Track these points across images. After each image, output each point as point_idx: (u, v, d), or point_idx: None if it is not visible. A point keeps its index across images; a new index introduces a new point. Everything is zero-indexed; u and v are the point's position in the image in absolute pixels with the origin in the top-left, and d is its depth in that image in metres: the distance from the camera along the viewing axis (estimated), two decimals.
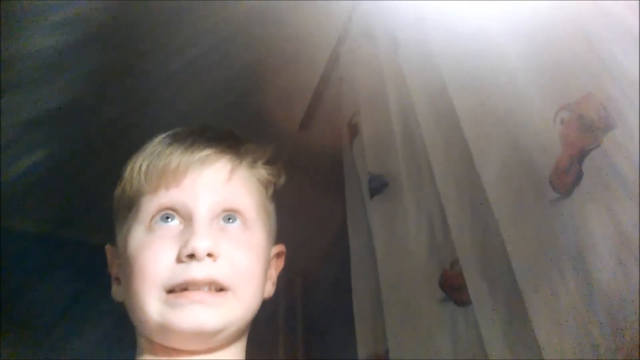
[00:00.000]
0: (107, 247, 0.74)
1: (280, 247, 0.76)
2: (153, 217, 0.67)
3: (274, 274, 0.75)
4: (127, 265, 0.67)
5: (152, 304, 0.63)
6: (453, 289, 0.97)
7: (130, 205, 0.69)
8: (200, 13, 1.39)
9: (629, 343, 0.61)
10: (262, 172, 0.74)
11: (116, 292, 0.71)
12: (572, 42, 0.73)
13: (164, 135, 0.73)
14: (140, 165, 0.70)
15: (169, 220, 0.66)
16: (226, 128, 0.76)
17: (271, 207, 0.75)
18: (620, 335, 0.62)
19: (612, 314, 0.63)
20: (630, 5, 0.65)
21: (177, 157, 0.68)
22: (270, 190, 0.75)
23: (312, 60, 1.52)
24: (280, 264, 0.77)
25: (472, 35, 0.93)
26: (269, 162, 0.74)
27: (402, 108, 1.13)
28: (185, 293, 0.63)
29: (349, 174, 1.36)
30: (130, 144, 0.73)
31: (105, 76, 1.50)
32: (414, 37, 1.09)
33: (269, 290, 0.73)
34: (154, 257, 0.65)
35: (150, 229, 0.67)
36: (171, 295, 0.63)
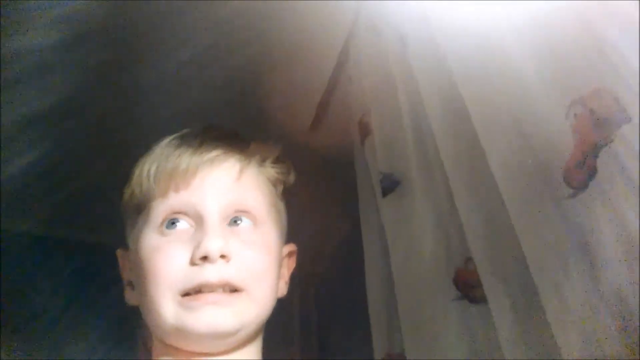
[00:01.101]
0: (118, 251, 0.74)
1: (292, 247, 0.76)
2: (164, 220, 0.67)
3: (286, 273, 0.75)
4: (140, 270, 0.67)
5: (167, 307, 0.64)
6: (467, 286, 0.96)
7: (140, 208, 0.69)
8: (205, 9, 1.38)
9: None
10: (271, 170, 0.73)
11: (130, 296, 0.71)
12: (580, 37, 0.72)
13: (171, 137, 0.73)
14: (149, 168, 0.70)
15: (175, 225, 0.66)
16: (232, 128, 0.76)
17: (281, 206, 0.75)
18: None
19: (623, 314, 0.62)
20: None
21: (186, 158, 0.68)
22: (280, 189, 0.75)
23: (321, 59, 1.52)
24: (292, 263, 0.77)
25: (481, 31, 0.92)
26: (277, 161, 0.74)
27: (412, 106, 1.12)
28: (200, 295, 0.63)
29: (361, 173, 1.35)
30: (129, 142, 0.73)
31: (103, 74, 1.49)
32: (422, 34, 1.08)
33: (282, 289, 0.73)
34: (167, 261, 0.65)
35: (161, 232, 0.66)
36: (186, 298, 0.63)
